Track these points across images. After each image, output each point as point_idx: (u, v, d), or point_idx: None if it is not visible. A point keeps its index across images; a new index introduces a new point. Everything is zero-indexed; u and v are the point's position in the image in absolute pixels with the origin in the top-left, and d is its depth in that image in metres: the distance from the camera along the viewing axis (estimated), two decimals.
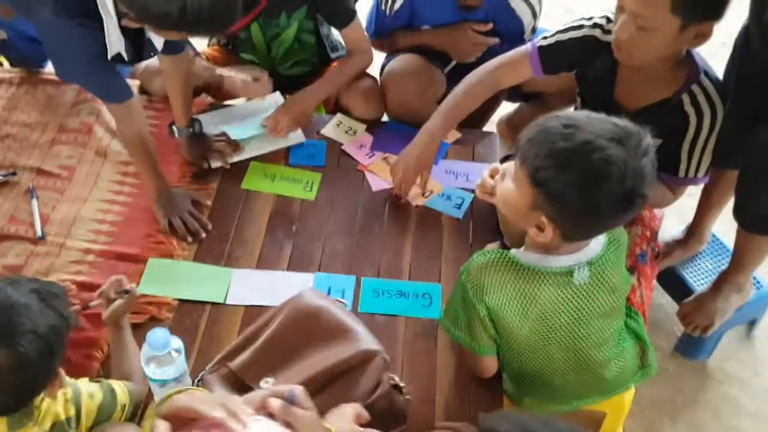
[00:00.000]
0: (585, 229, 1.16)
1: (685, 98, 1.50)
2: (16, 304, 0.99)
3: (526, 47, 1.63)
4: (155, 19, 1.27)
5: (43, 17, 1.41)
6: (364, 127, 1.93)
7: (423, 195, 1.74)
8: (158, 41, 1.54)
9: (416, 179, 1.68)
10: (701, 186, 1.73)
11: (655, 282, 1.66)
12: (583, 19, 1.59)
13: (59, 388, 1.07)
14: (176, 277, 1.53)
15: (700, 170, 1.59)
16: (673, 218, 1.98)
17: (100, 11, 1.38)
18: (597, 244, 1.23)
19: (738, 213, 1.52)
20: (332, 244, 1.63)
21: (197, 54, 1.90)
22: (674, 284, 1.86)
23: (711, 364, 1.89)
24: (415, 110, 1.91)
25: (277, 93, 1.97)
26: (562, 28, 1.61)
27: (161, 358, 1.17)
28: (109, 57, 1.47)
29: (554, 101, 1.98)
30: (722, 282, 1.71)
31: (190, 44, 1.86)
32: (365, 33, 1.92)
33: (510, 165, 1.20)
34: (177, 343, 1.20)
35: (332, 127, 1.92)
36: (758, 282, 1.80)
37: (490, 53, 1.81)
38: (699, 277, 1.84)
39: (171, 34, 1.37)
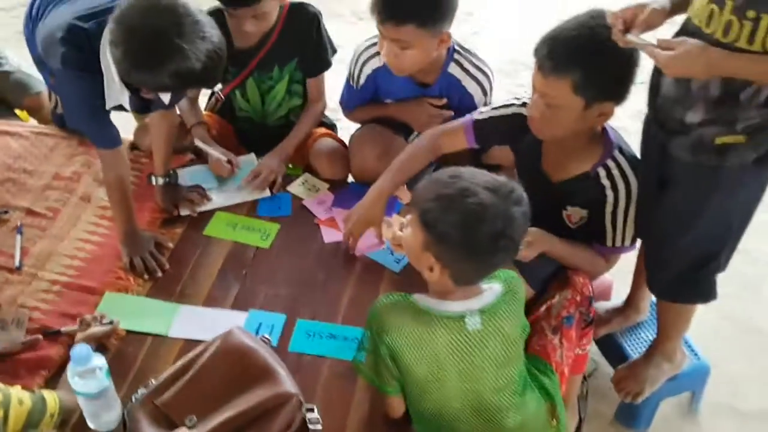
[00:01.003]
0: (467, 267, 1.28)
1: (601, 172, 1.62)
2: None
3: (464, 119, 1.80)
4: (160, 89, 1.56)
5: (55, 68, 1.65)
6: (327, 186, 2.09)
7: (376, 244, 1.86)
8: (165, 97, 1.72)
9: (363, 231, 1.81)
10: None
11: (590, 347, 1.73)
12: (514, 98, 1.76)
13: None
14: (127, 310, 1.66)
15: (626, 240, 1.68)
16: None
17: (102, 66, 1.59)
18: (491, 294, 1.34)
19: (650, 283, 1.60)
20: (276, 288, 1.76)
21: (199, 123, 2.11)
22: (613, 351, 1.91)
23: None
24: (376, 173, 2.04)
25: (252, 154, 2.16)
26: (495, 105, 1.78)
27: (84, 372, 1.29)
28: (107, 107, 1.67)
29: (509, 172, 2.11)
30: (653, 350, 1.76)
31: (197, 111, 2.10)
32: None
33: (410, 216, 1.33)
34: (100, 360, 1.32)
35: (297, 185, 2.09)
36: (695, 354, 1.85)
37: None
38: (637, 345, 1.88)
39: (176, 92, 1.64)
